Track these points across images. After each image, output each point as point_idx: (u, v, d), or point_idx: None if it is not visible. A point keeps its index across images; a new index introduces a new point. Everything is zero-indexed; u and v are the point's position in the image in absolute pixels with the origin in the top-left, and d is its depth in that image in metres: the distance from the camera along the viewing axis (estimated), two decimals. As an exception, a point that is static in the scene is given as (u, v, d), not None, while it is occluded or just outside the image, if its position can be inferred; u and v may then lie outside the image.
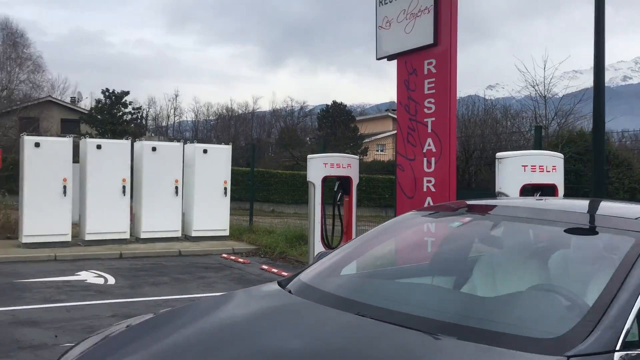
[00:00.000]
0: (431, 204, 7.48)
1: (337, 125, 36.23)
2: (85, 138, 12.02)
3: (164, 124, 56.01)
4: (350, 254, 3.42)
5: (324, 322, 2.48)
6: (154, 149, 12.10)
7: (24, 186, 10.93)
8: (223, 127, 53.69)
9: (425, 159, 7.56)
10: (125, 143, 11.96)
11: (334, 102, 38.90)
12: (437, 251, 3.55)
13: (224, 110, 57.66)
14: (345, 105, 39.79)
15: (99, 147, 11.48)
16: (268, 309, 2.73)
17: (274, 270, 9.65)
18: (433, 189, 7.47)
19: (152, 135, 38.62)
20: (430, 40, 7.33)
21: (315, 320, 2.51)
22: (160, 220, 12.06)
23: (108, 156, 11.50)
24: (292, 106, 58.03)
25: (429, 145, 7.52)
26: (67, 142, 11.26)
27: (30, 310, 6.69)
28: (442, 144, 7.33)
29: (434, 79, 7.44)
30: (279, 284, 3.02)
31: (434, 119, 7.46)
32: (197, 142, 13.21)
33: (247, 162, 28.21)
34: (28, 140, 10.93)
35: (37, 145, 10.88)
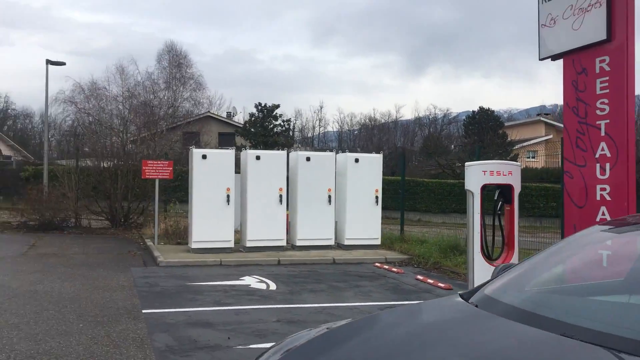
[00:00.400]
0: (606, 213, 6.89)
1: (484, 131, 34.98)
2: (245, 150, 12.69)
3: (309, 135, 57.95)
4: (534, 268, 3.33)
5: (513, 337, 2.40)
6: (308, 159, 12.47)
7: (193, 195, 11.76)
8: (366, 136, 54.37)
9: (598, 165, 6.98)
10: (281, 154, 12.44)
11: (481, 108, 37.63)
12: (632, 267, 3.25)
13: (367, 120, 58.37)
14: (493, 111, 38.32)
15: (258, 158, 12.07)
16: (457, 322, 2.69)
17: (430, 281, 9.45)
18: (608, 198, 6.87)
19: (299, 146, 40.06)
20: (603, 36, 6.79)
21: (504, 335, 2.43)
22: (314, 228, 12.38)
23: (266, 166, 12.03)
24: (435, 114, 57.31)
25: (603, 150, 6.93)
26: (230, 153, 11.99)
27: (203, 312, 7.14)
28: (619, 148, 6.72)
29: (607, 78, 6.87)
30: (461, 296, 2.97)
31: (607, 121, 6.87)
32: (349, 152, 13.41)
33: (391, 170, 28.16)
34: (196, 152, 11.78)
35: (204, 157, 11.70)
